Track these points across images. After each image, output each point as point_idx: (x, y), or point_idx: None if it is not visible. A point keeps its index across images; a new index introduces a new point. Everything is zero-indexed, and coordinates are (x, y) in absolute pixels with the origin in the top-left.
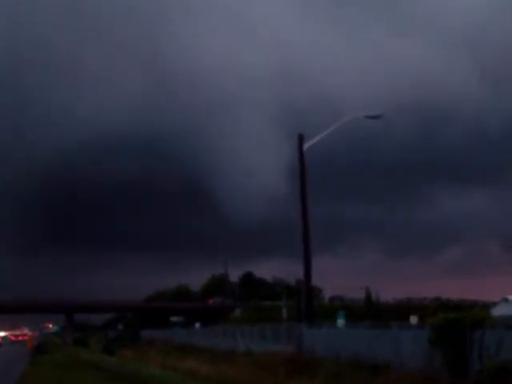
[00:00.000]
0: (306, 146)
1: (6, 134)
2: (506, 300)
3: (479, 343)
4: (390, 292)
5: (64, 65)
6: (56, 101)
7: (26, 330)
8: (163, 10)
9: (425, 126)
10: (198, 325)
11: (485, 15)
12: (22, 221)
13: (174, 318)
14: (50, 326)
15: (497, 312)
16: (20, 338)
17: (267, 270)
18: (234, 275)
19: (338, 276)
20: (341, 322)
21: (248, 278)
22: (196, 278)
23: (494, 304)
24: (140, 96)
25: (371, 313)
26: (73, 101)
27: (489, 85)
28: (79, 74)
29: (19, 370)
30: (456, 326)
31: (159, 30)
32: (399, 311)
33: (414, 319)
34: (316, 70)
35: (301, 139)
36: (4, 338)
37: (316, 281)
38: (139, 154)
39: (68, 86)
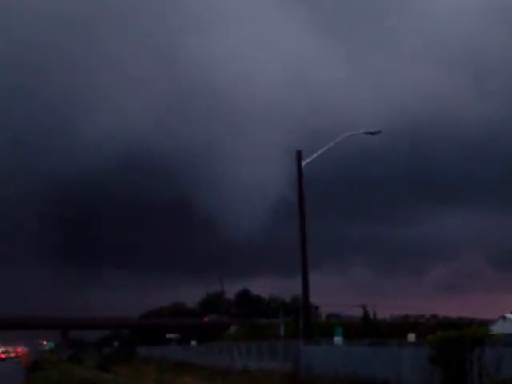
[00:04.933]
0: (304, 162)
1: (15, 147)
2: (503, 318)
3: (479, 361)
4: (382, 309)
5: (77, 81)
6: (68, 117)
7: (21, 347)
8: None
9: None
10: (193, 342)
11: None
12: (17, 236)
13: (170, 335)
14: (45, 342)
15: (495, 330)
16: (2, 356)
17: (262, 286)
18: (230, 292)
19: (331, 293)
20: (338, 339)
21: (244, 295)
22: (192, 295)
23: (491, 322)
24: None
25: (368, 330)
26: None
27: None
28: (91, 91)
29: None
30: (455, 343)
31: (173, 47)
32: (396, 328)
33: (411, 337)
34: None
35: (299, 155)
36: None
37: (312, 298)
38: (134, 171)
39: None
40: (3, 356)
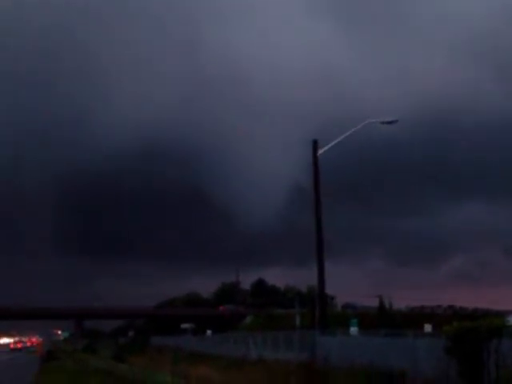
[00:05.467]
0: (320, 151)
1: (31, 139)
2: None
3: (495, 352)
4: (398, 300)
5: (99, 73)
6: (86, 107)
7: (35, 337)
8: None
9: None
10: (209, 332)
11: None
12: (33, 227)
13: (185, 325)
14: (59, 332)
15: (510, 321)
16: (19, 346)
17: (278, 276)
18: (245, 282)
19: (347, 284)
20: (354, 329)
21: (260, 285)
22: (207, 285)
23: (508, 313)
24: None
25: (384, 321)
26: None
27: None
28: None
29: (30, 378)
30: (472, 334)
31: (193, 39)
32: (412, 319)
33: (428, 327)
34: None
35: (315, 145)
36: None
37: (327, 288)
38: (149, 161)
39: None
40: (19, 346)
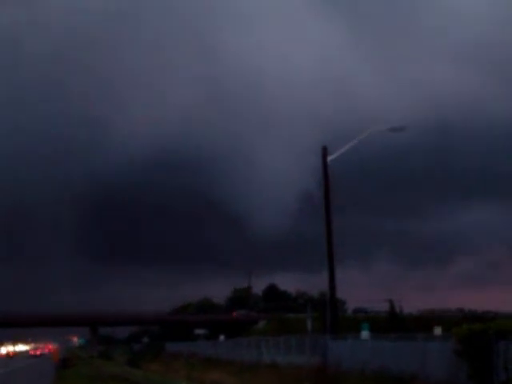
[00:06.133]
0: (330, 158)
1: (46, 148)
2: None
3: (504, 354)
4: (408, 304)
5: (115, 79)
6: (102, 115)
7: (51, 344)
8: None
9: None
10: (222, 337)
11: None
12: (47, 233)
13: (199, 331)
14: (75, 339)
15: None
16: (38, 353)
17: (289, 281)
18: (257, 287)
19: (357, 288)
20: (365, 333)
21: (271, 290)
22: (219, 291)
23: None
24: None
25: (395, 325)
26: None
27: None
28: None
29: None
30: (481, 337)
31: (206, 49)
32: (422, 323)
33: (438, 330)
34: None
35: (325, 151)
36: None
37: (338, 293)
38: (160, 167)
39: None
40: (39, 352)
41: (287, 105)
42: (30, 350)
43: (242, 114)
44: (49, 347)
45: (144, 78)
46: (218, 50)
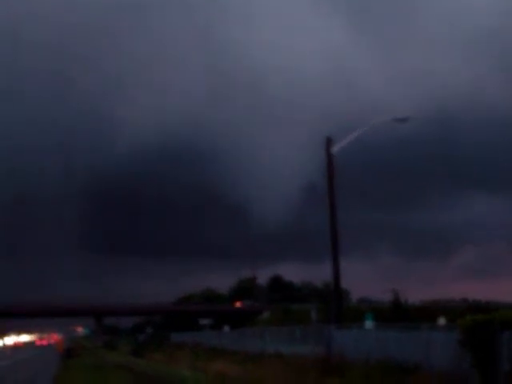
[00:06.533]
0: (334, 149)
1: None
2: None
3: (508, 344)
4: (412, 294)
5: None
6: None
7: (57, 334)
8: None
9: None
10: (226, 327)
11: None
12: (52, 224)
13: (203, 321)
14: (80, 329)
15: None
16: (44, 343)
17: (293, 272)
18: (261, 278)
19: (361, 279)
20: (369, 323)
21: (276, 280)
22: (223, 281)
23: None
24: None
25: (399, 315)
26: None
27: None
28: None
29: (52, 374)
30: (485, 327)
31: (206, 42)
32: (426, 313)
33: (442, 321)
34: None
35: (329, 142)
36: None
37: (342, 283)
38: (167, 162)
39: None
40: (45, 342)
41: (289, 96)
42: (36, 340)
43: (243, 106)
44: (54, 337)
45: (146, 71)
46: (220, 41)
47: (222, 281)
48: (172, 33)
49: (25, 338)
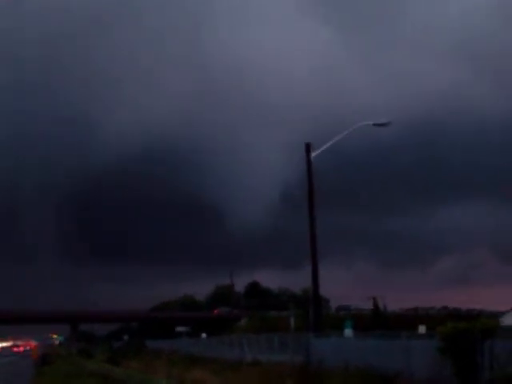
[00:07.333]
0: (313, 154)
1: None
2: None
3: (489, 353)
4: (392, 302)
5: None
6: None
7: (31, 341)
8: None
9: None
10: (203, 335)
11: None
12: (28, 231)
13: (180, 328)
14: (55, 336)
15: (505, 322)
16: (21, 349)
17: (271, 279)
18: (238, 284)
19: (340, 287)
20: (348, 331)
21: (253, 287)
22: (201, 288)
23: (501, 314)
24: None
25: (378, 322)
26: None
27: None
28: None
29: (26, 381)
30: (466, 335)
31: (193, 44)
32: (406, 321)
33: (422, 328)
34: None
35: (308, 148)
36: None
37: (321, 291)
38: (147, 169)
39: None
40: (22, 349)
41: (270, 99)
42: (13, 346)
43: (225, 109)
44: (30, 344)
45: (135, 69)
46: (208, 42)
47: (199, 288)
48: (159, 33)
49: (0, 344)
